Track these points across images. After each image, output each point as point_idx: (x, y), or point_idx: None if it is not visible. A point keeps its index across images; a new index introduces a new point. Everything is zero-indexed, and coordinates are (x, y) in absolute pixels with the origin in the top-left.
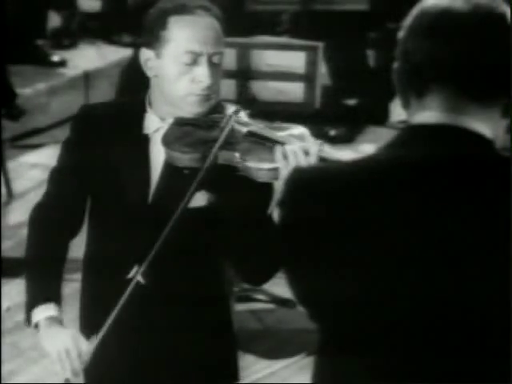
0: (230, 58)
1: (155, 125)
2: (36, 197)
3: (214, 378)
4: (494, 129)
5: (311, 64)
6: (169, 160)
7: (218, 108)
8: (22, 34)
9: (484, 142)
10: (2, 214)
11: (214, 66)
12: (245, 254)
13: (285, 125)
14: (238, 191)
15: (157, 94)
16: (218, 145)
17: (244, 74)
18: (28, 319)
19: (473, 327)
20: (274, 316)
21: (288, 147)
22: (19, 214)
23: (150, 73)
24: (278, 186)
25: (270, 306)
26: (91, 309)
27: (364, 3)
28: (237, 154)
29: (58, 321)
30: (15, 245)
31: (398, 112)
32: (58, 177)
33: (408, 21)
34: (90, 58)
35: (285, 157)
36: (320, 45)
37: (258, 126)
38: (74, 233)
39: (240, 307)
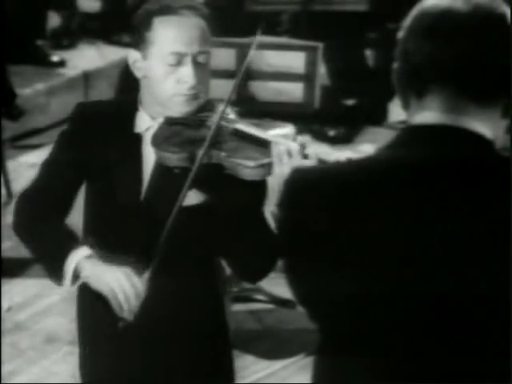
0: (229, 58)
1: (146, 124)
2: None
3: (207, 378)
4: (494, 129)
5: (311, 64)
6: (159, 160)
7: (207, 106)
8: (22, 34)
9: (484, 142)
10: (2, 214)
11: (199, 66)
12: (238, 252)
13: (272, 122)
14: (229, 189)
15: (146, 94)
16: (205, 144)
17: (244, 74)
18: (62, 275)
19: (473, 327)
20: (274, 316)
21: (280, 147)
22: None
23: (138, 74)
24: (274, 185)
25: (270, 306)
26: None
27: (363, 4)
28: (223, 153)
29: (100, 258)
30: (15, 245)
31: (397, 112)
32: (48, 169)
33: (408, 21)
34: (89, 58)
35: (277, 156)
36: (320, 45)
37: (245, 125)
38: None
39: (240, 307)
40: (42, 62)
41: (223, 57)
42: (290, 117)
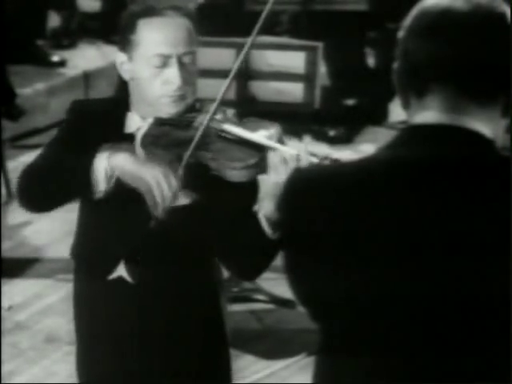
0: (229, 58)
1: (137, 124)
2: None
3: (205, 378)
4: (494, 129)
5: (311, 64)
6: None
7: (196, 106)
8: (22, 34)
9: (484, 141)
10: (2, 213)
11: (185, 66)
12: (230, 252)
13: (258, 122)
14: (218, 190)
15: (135, 96)
16: (191, 146)
17: (244, 74)
18: (91, 183)
19: (473, 327)
20: (274, 316)
21: (275, 158)
22: (19, 214)
23: (125, 76)
24: (270, 191)
25: (270, 306)
26: (82, 308)
27: (363, 3)
28: (210, 154)
29: (131, 155)
30: (15, 245)
31: (397, 112)
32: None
33: (408, 21)
34: (89, 57)
35: (273, 166)
36: (320, 45)
37: (231, 125)
38: None
39: (240, 307)
40: (42, 61)
41: (223, 57)
42: (291, 117)
